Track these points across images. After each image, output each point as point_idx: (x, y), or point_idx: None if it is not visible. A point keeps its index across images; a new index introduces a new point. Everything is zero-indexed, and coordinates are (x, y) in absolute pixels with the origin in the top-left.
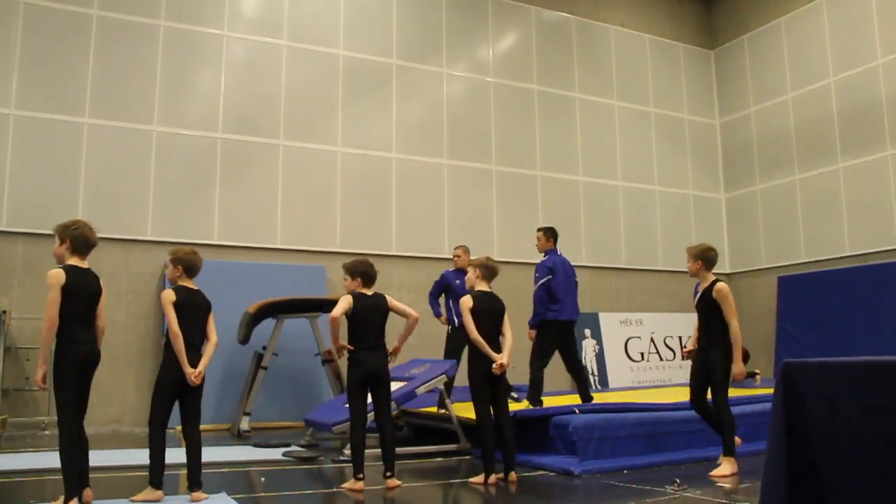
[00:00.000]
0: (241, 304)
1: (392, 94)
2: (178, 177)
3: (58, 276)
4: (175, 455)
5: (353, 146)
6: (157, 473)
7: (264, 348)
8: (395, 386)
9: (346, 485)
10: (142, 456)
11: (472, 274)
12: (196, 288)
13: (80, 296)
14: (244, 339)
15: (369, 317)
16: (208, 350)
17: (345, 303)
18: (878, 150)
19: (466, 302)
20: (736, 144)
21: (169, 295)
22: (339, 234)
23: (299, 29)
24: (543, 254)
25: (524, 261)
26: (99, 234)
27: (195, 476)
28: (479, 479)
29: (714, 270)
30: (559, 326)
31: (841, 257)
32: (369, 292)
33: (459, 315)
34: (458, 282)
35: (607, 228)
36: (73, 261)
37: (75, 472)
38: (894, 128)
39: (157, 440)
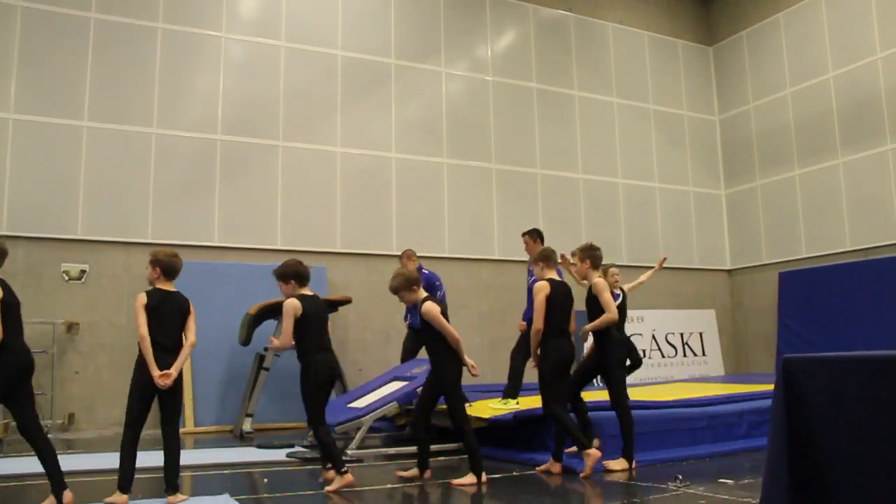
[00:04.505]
0: (243, 306)
1: (391, 93)
2: (178, 179)
3: None
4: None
5: (353, 146)
6: (124, 478)
7: (266, 349)
8: (396, 386)
9: (332, 486)
10: (143, 458)
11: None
12: (173, 290)
13: (9, 307)
14: (245, 341)
15: (319, 317)
16: (184, 350)
17: (294, 310)
18: (878, 145)
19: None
20: (735, 140)
21: (140, 298)
22: (339, 234)
23: (297, 29)
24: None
25: (525, 259)
26: (99, 237)
27: (171, 479)
28: (413, 472)
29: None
30: None
31: (842, 252)
32: (309, 292)
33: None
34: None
35: (608, 225)
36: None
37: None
38: (894, 122)
39: (127, 444)
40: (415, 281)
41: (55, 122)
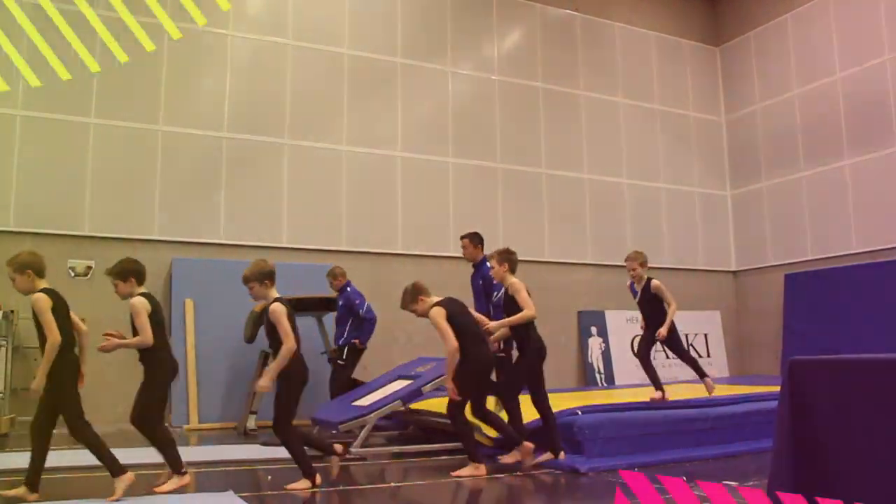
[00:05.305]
0: (247, 303)
1: (397, 92)
2: (184, 176)
3: None
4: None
5: (359, 145)
6: (116, 464)
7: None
8: (401, 384)
9: (166, 486)
10: (142, 455)
11: None
12: (50, 287)
13: None
14: (250, 338)
15: (161, 315)
16: (87, 341)
17: (145, 308)
18: (886, 147)
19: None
20: (742, 141)
21: (46, 301)
22: (344, 232)
23: (304, 28)
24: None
25: (529, 259)
26: (106, 234)
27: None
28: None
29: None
30: None
31: (848, 254)
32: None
33: None
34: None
35: (613, 226)
36: None
37: None
38: None
39: (96, 435)
40: (269, 275)
41: (62, 118)
